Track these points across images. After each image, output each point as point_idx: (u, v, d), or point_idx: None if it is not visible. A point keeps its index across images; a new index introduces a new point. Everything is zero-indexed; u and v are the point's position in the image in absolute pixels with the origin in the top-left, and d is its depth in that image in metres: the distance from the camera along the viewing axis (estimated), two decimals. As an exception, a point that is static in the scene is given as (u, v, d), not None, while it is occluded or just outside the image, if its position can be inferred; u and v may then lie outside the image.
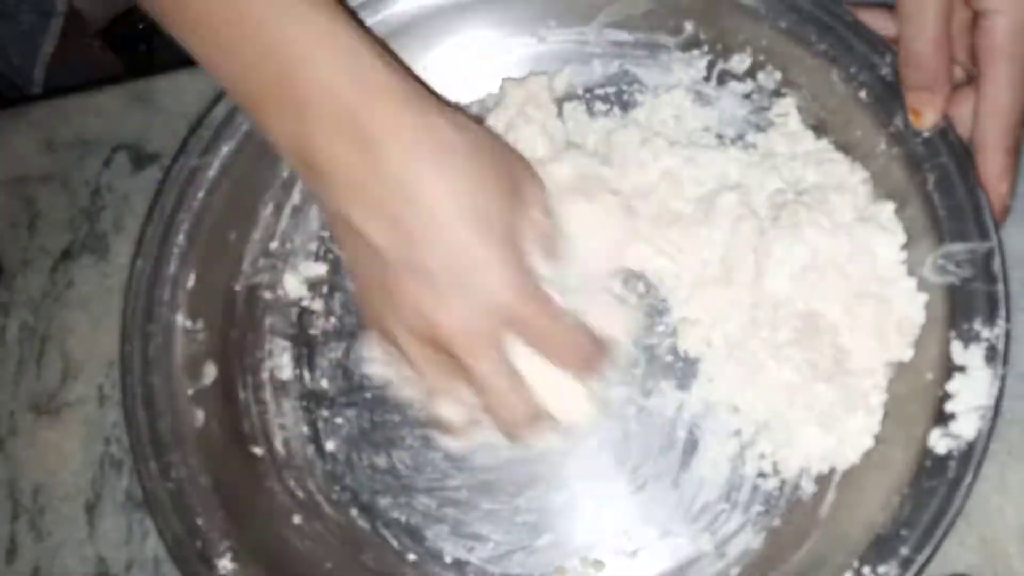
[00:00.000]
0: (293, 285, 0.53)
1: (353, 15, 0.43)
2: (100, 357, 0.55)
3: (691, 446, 0.48)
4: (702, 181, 0.50)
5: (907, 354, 0.45)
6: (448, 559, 0.48)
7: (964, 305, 0.42)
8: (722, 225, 0.48)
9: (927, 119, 0.44)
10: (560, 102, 0.53)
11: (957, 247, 0.43)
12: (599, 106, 0.54)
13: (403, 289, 0.41)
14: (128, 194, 0.59)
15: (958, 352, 0.42)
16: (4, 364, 0.57)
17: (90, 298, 0.57)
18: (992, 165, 0.43)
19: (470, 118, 0.45)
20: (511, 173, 0.44)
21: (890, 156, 0.46)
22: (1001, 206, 0.43)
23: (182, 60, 0.61)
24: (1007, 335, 0.41)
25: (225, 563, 0.45)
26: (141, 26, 1.03)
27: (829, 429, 0.45)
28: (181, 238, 0.49)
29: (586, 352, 0.45)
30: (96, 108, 0.62)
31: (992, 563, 0.45)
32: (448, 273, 0.41)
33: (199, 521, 0.45)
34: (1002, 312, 0.42)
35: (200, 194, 0.49)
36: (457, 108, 0.45)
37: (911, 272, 0.45)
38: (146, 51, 1.05)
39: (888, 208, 0.46)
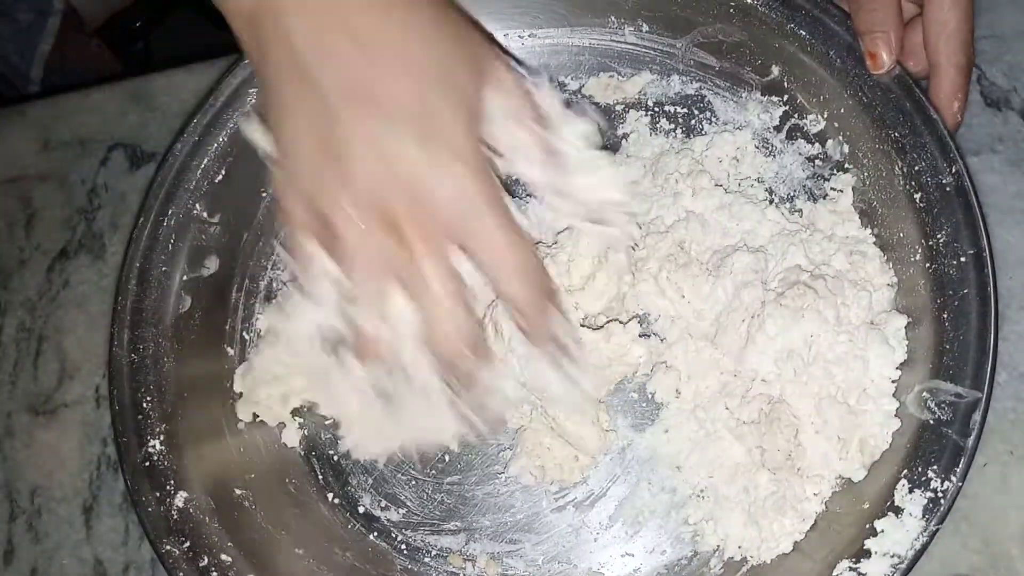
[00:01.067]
0: None
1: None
2: (97, 357, 0.55)
3: (624, 487, 0.47)
4: (729, 232, 0.48)
5: (859, 474, 0.43)
6: (361, 509, 0.49)
7: (928, 448, 0.41)
8: (727, 285, 0.47)
9: (882, 60, 0.44)
10: (627, 107, 0.53)
11: (947, 387, 0.41)
12: (663, 123, 0.53)
13: (358, 140, 0.37)
14: (125, 193, 0.59)
15: (901, 493, 0.41)
16: (1, 365, 0.56)
17: (87, 298, 0.57)
18: (944, 84, 0.44)
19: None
20: (473, 44, 0.40)
21: (922, 270, 0.44)
22: (953, 122, 0.44)
23: (179, 58, 0.61)
24: (955, 493, 0.40)
25: (156, 443, 0.46)
26: (138, 24, 1.03)
27: (756, 521, 0.44)
28: (223, 136, 0.49)
29: (537, 280, 0.40)
30: (93, 107, 0.61)
31: (994, 564, 0.44)
32: (412, 118, 0.37)
33: (147, 399, 0.47)
34: (960, 470, 0.40)
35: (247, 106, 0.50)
36: None
37: (896, 394, 0.44)
38: (143, 49, 1.05)
39: (900, 322, 0.45)
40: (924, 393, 0.42)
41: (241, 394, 0.49)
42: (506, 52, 0.48)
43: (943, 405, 0.41)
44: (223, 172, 0.50)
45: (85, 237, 0.58)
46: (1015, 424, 0.46)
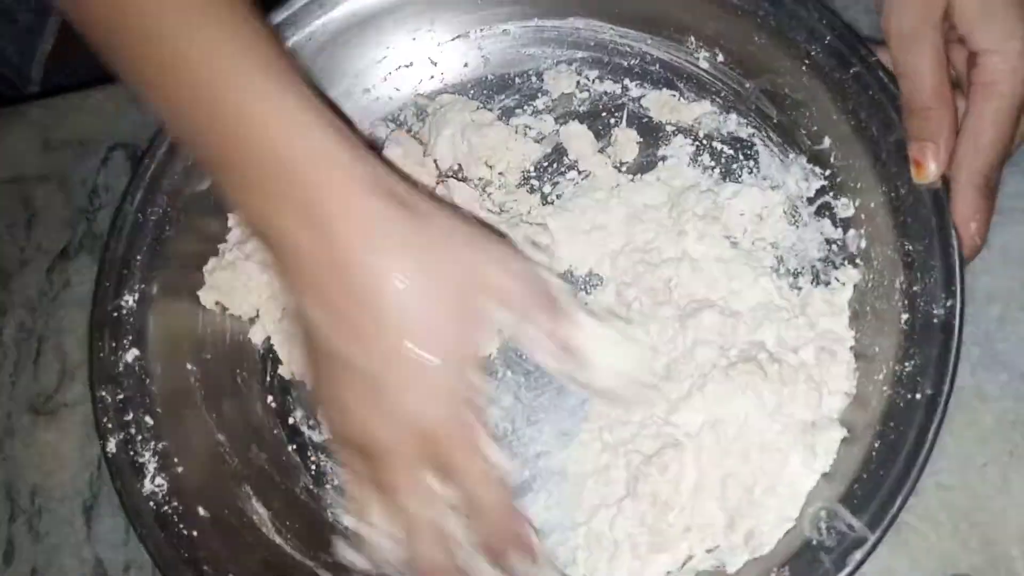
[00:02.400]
0: None
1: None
2: (98, 357, 0.55)
3: (527, 494, 0.47)
4: (715, 287, 0.48)
5: (735, 563, 0.43)
6: (290, 420, 0.51)
7: (801, 567, 0.41)
8: (688, 337, 0.47)
9: (929, 170, 0.43)
10: (677, 130, 0.53)
11: (845, 514, 0.41)
12: (706, 158, 0.52)
13: (344, 386, 0.39)
14: (126, 193, 0.59)
15: None
16: (1, 365, 0.56)
17: (87, 298, 0.56)
18: (963, 203, 0.42)
19: (426, 194, 0.41)
20: (469, 258, 0.40)
21: (879, 392, 0.43)
22: (970, 245, 0.43)
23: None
24: None
25: (129, 299, 0.49)
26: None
27: (619, 557, 0.44)
28: None
29: (506, 521, 0.41)
30: (93, 107, 0.61)
31: (995, 565, 0.44)
32: (388, 382, 0.38)
33: (138, 258, 0.50)
34: None
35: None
36: (412, 183, 0.42)
37: (803, 503, 0.43)
38: (144, 49, 1.04)
39: (837, 435, 0.44)
40: (822, 511, 0.41)
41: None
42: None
43: (832, 530, 0.41)
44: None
45: (86, 237, 0.58)
46: (1015, 424, 0.46)
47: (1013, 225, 0.50)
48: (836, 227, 0.49)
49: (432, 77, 0.57)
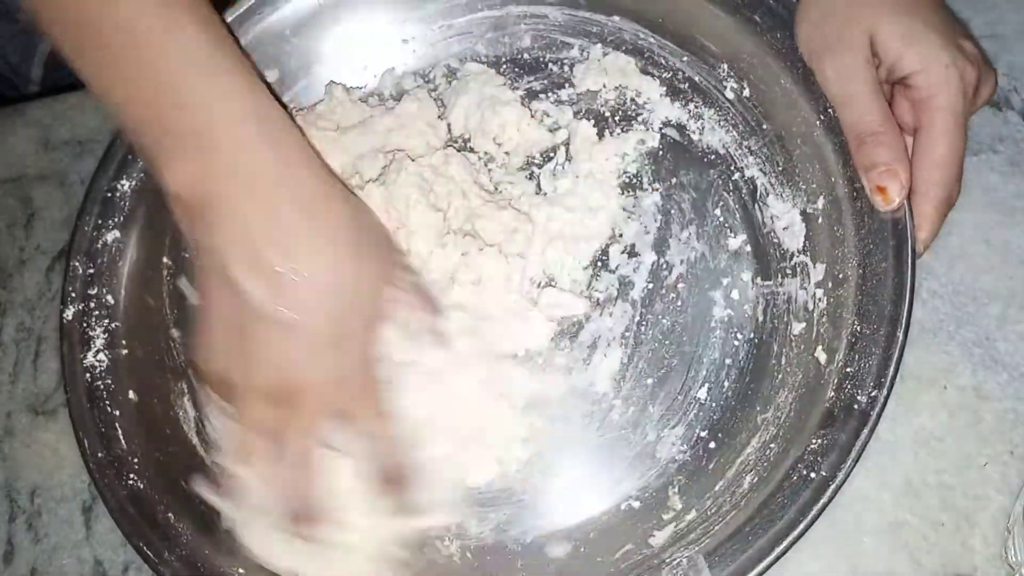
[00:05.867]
0: None
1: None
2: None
3: None
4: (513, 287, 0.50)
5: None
6: None
7: None
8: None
9: (893, 193, 0.44)
10: (683, 153, 0.53)
11: (702, 569, 0.42)
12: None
13: (265, 341, 0.42)
14: (125, 193, 0.58)
15: None
16: (1, 365, 0.56)
17: (87, 298, 0.57)
18: (923, 216, 0.44)
19: (347, 188, 0.47)
20: (382, 246, 0.46)
21: (782, 463, 0.44)
22: (920, 249, 0.44)
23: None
24: None
25: (110, 235, 0.51)
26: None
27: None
28: None
29: (396, 469, 0.45)
30: (92, 107, 0.61)
31: (994, 563, 0.44)
32: (317, 338, 0.42)
33: (115, 216, 0.52)
34: None
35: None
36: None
37: None
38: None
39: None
40: (684, 558, 0.43)
41: None
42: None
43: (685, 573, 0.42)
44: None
45: (85, 237, 0.58)
46: (1015, 424, 0.46)
47: (1014, 225, 0.50)
48: (802, 287, 0.49)
49: (469, 45, 0.57)
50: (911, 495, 0.46)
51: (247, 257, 0.41)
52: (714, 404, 0.48)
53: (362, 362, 0.44)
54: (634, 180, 0.53)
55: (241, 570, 0.45)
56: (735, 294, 0.50)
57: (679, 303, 0.50)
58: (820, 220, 0.49)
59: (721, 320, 0.49)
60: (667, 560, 0.43)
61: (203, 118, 0.41)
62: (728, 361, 0.48)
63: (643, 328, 0.50)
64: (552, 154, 0.54)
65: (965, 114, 0.44)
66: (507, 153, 0.54)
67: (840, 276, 0.47)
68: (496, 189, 0.53)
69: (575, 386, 0.49)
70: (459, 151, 0.54)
